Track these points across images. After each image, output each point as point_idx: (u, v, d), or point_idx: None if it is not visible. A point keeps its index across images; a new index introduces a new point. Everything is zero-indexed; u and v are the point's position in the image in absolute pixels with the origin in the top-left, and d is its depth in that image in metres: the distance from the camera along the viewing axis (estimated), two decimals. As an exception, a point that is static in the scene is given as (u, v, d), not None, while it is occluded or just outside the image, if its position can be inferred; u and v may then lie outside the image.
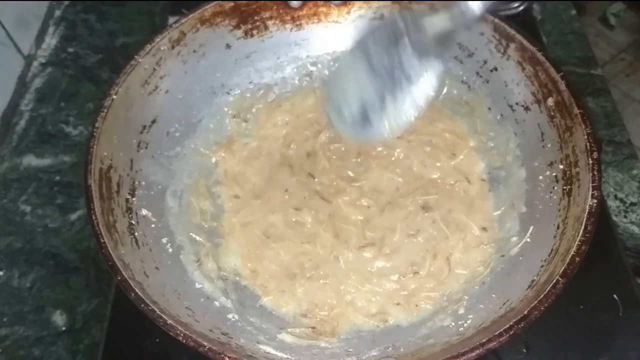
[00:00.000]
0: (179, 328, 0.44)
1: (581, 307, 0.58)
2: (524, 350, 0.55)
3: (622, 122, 0.76)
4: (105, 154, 0.55)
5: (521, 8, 0.79)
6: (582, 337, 0.57)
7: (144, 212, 0.58)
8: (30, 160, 0.74)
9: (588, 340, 0.57)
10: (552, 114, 0.58)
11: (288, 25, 0.70)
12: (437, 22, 0.47)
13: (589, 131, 0.54)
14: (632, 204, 0.69)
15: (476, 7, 0.45)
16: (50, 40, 0.87)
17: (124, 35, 0.88)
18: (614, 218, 0.68)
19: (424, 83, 0.48)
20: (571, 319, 0.57)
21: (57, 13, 0.91)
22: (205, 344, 0.44)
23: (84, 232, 0.68)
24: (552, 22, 0.88)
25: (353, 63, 0.51)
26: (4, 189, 0.72)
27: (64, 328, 0.62)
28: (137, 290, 0.46)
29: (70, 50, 0.86)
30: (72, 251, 0.67)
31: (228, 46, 0.69)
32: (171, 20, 0.79)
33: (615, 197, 0.70)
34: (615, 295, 0.59)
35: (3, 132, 0.77)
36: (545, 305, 0.45)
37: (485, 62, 0.65)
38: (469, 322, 0.51)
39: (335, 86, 0.53)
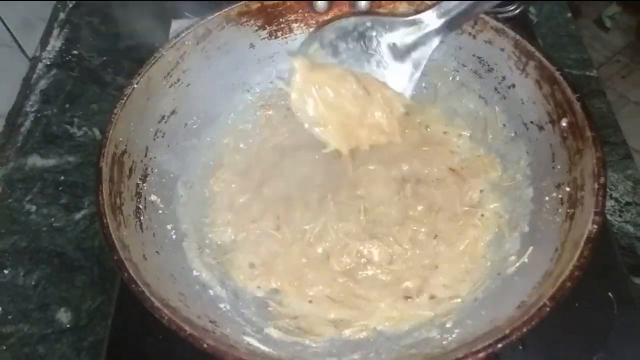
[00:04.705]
0: (164, 311, 0.46)
1: (577, 305, 0.58)
2: (520, 348, 0.56)
3: (617, 123, 0.76)
4: (121, 139, 0.58)
5: (517, 11, 0.79)
6: (577, 334, 0.58)
7: (153, 197, 0.60)
8: (35, 161, 0.76)
9: (583, 337, 0.57)
10: (565, 135, 0.57)
11: (312, 29, 0.72)
12: (397, 37, 0.52)
13: (598, 155, 0.52)
14: (627, 203, 0.69)
15: (430, 20, 0.49)
16: (55, 43, 0.89)
17: (127, 37, 0.89)
18: (609, 217, 0.68)
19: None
20: (567, 316, 0.57)
21: (62, 16, 0.92)
22: (187, 329, 0.45)
23: (89, 231, 0.70)
24: (548, 24, 0.87)
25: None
26: (9, 188, 0.73)
27: (68, 325, 0.63)
28: (130, 271, 0.48)
29: (75, 52, 0.88)
30: (76, 250, 0.68)
31: (252, 45, 0.71)
32: (174, 24, 0.83)
33: (611, 196, 0.70)
34: (610, 294, 0.59)
35: (8, 133, 0.78)
36: (528, 327, 0.44)
37: (504, 78, 0.64)
38: (454, 336, 0.50)
39: None
